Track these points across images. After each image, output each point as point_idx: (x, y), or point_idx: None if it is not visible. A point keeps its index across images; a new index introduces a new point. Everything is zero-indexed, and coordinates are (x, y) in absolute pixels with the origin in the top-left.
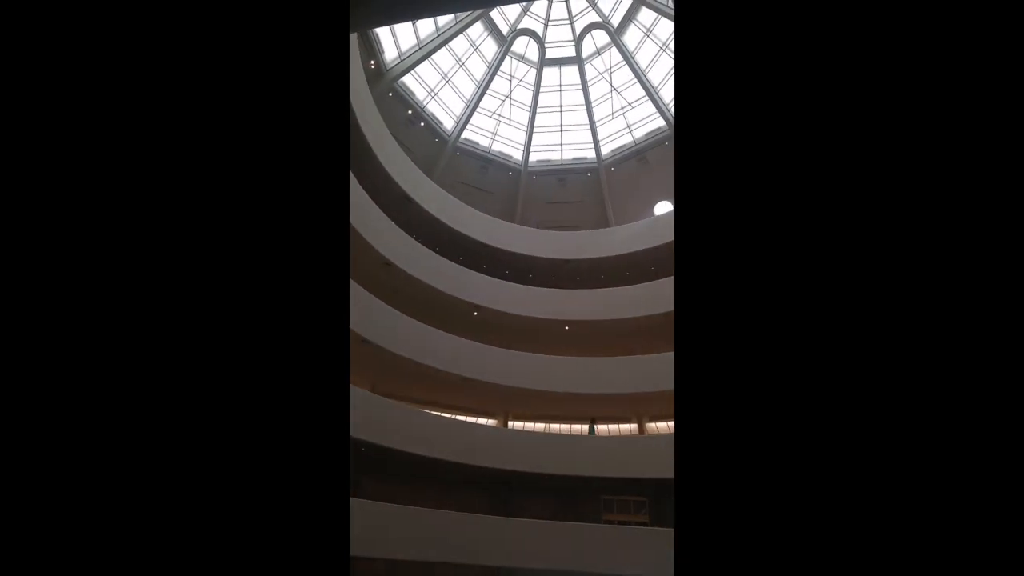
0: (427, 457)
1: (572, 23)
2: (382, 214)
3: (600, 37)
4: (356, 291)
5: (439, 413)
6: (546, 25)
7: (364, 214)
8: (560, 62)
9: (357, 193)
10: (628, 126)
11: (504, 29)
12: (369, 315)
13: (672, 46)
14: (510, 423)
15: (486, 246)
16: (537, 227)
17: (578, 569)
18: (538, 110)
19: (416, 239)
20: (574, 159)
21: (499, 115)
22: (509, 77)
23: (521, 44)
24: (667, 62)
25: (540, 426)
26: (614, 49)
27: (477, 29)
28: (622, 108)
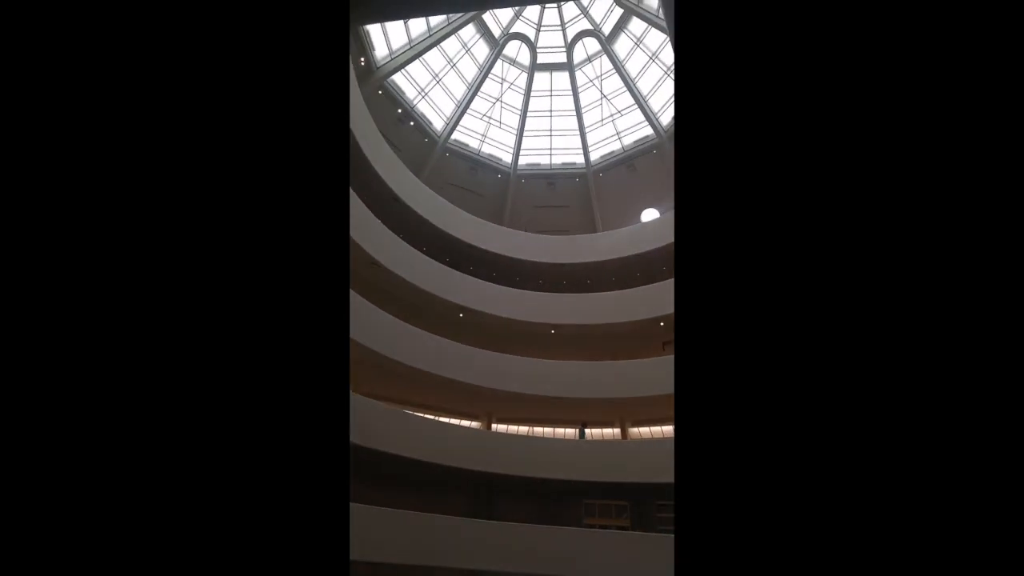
0: (409, 459)
1: (564, 29)
2: (369, 212)
3: (591, 44)
4: None
5: (422, 415)
6: (538, 30)
7: (350, 212)
8: (551, 67)
9: None
10: (617, 133)
11: (496, 32)
12: (353, 314)
13: (662, 57)
14: (497, 426)
15: (473, 248)
16: (525, 230)
17: (559, 573)
18: (528, 114)
19: (403, 239)
20: (563, 164)
21: (489, 117)
22: (500, 80)
23: (513, 48)
24: (656, 72)
25: (524, 429)
26: (605, 57)
27: (469, 31)
28: (611, 115)
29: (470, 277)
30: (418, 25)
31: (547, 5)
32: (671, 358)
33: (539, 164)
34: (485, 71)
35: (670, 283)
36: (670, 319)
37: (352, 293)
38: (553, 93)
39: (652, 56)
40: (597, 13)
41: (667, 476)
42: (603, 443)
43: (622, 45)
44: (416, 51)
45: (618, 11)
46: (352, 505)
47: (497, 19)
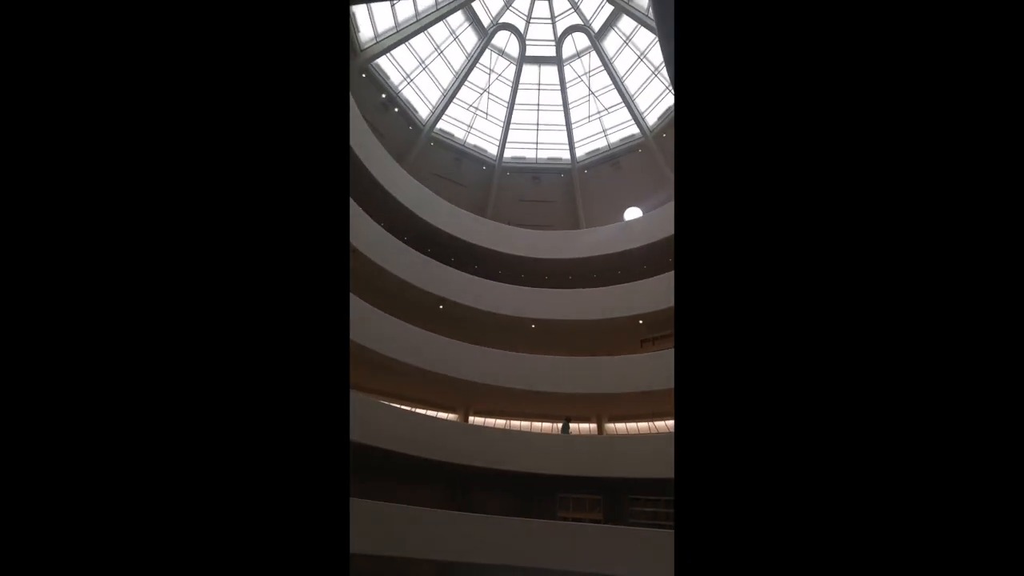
0: (383, 449)
1: (554, 23)
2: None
3: (580, 40)
4: None
5: (398, 405)
6: (528, 22)
7: None
8: (540, 61)
9: None
10: (603, 131)
11: (486, 21)
12: None
13: (650, 56)
14: (474, 419)
15: (455, 239)
16: (508, 223)
17: (532, 564)
18: (515, 107)
19: (383, 227)
20: (549, 159)
21: (476, 108)
22: (488, 70)
23: (502, 39)
24: (644, 71)
25: (501, 422)
26: (593, 53)
27: (458, 18)
28: (598, 112)
29: (451, 268)
30: (405, 8)
31: None
32: (649, 355)
33: (524, 158)
34: (473, 60)
35: (651, 281)
36: (650, 317)
37: None
38: (541, 87)
39: (640, 55)
40: (588, 8)
41: (641, 471)
42: (579, 438)
43: (611, 43)
44: (403, 35)
45: (608, 8)
46: None
47: (487, 8)
